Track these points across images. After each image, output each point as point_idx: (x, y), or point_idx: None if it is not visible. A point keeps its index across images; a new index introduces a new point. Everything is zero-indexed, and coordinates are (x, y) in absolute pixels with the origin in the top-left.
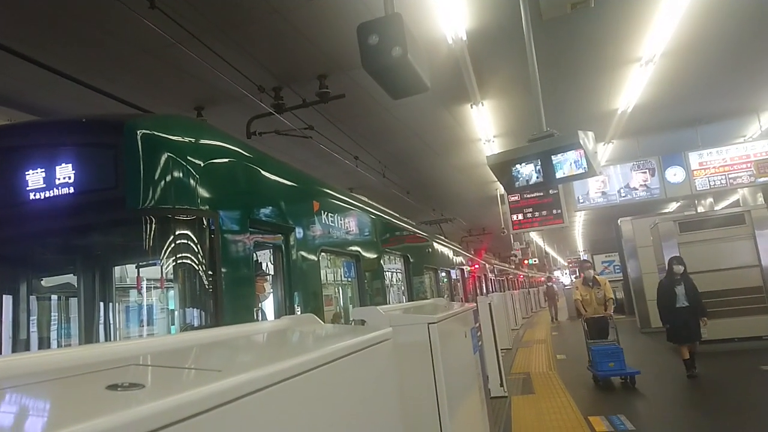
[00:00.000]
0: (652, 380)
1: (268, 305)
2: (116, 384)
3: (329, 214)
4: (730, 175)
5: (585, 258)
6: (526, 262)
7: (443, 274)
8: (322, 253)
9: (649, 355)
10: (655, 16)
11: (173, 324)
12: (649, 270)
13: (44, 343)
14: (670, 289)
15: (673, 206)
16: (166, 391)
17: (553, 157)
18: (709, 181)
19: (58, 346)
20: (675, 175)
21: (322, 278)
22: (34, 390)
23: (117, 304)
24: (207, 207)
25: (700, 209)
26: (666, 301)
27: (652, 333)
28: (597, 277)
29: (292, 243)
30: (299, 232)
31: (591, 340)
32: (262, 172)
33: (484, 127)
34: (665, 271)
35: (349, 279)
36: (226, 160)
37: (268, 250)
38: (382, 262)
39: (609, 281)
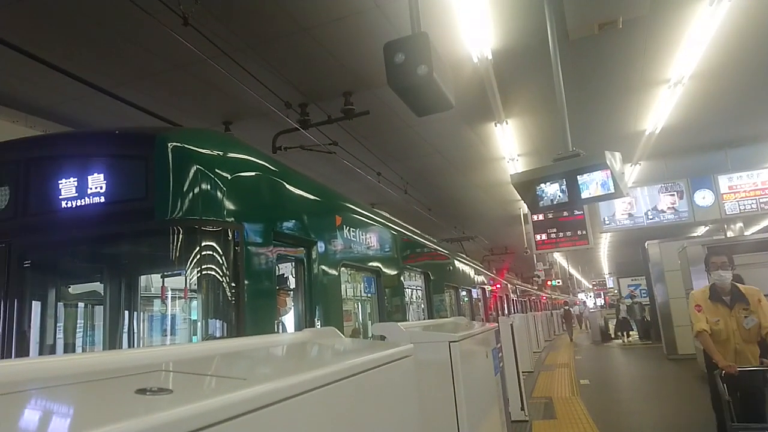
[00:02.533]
0: (676, 409)
1: (289, 318)
2: (145, 388)
3: (351, 229)
4: (761, 200)
5: (713, 249)
6: (549, 283)
7: (464, 292)
8: (343, 268)
9: (678, 383)
10: (684, 37)
11: (195, 334)
12: (677, 294)
13: (69, 349)
14: None
15: (701, 230)
16: (193, 397)
17: (578, 177)
18: (739, 205)
19: (83, 353)
20: (704, 198)
21: (342, 293)
22: (65, 392)
23: (141, 313)
24: (232, 219)
25: (730, 234)
26: None
27: (680, 360)
28: (745, 288)
29: (313, 257)
30: (321, 246)
31: (738, 424)
32: (287, 186)
33: (508, 145)
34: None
35: (369, 294)
36: (252, 173)
37: (290, 263)
38: (402, 278)
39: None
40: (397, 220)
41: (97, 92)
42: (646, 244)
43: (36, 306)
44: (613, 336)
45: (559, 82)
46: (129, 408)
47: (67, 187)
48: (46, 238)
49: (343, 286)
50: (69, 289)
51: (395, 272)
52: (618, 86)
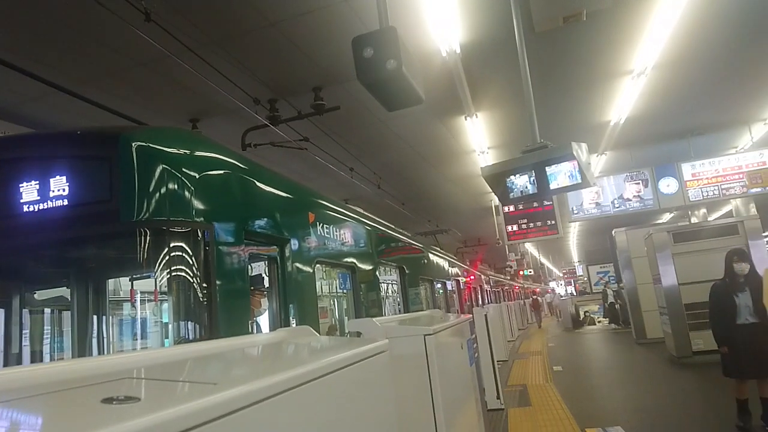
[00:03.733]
0: (646, 392)
1: (264, 318)
2: (111, 397)
3: (324, 226)
4: (722, 186)
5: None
6: (521, 273)
7: (439, 285)
8: (318, 265)
9: (648, 367)
10: (646, 29)
11: (167, 337)
12: (644, 280)
13: (37, 357)
14: (729, 297)
15: (666, 217)
16: (161, 405)
17: (547, 169)
18: (702, 192)
19: (51, 360)
20: (668, 186)
21: (317, 290)
22: (28, 404)
23: (111, 317)
24: (202, 219)
25: (694, 220)
26: (720, 314)
27: (649, 344)
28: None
29: (287, 254)
30: (294, 243)
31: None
32: (257, 184)
33: (479, 138)
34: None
35: (345, 291)
36: (221, 171)
37: (263, 262)
38: (377, 273)
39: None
40: (371, 216)
41: (58, 91)
42: (613, 232)
43: None
44: (599, 322)
45: (525, 75)
46: (94, 418)
47: (29, 190)
48: (9, 242)
49: (318, 284)
50: (35, 294)
51: (370, 267)
52: (583, 78)
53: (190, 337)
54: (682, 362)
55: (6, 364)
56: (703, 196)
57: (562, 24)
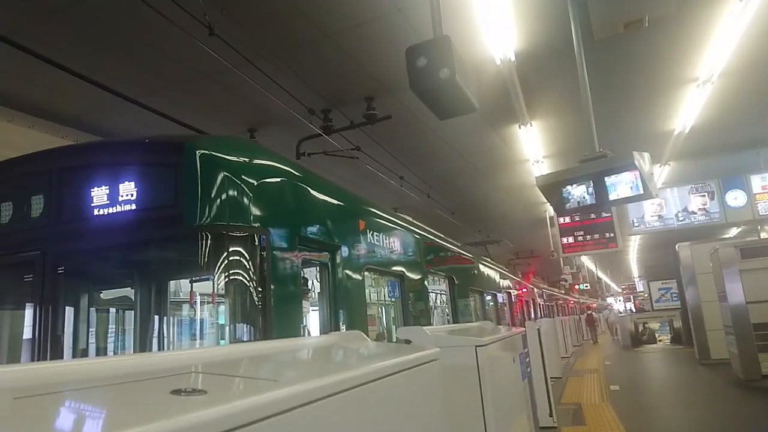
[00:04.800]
0: (710, 415)
1: (313, 322)
2: (180, 389)
3: (374, 234)
4: None
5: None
6: (576, 287)
7: (489, 297)
8: (367, 272)
9: (712, 389)
10: (712, 35)
11: (223, 338)
12: (709, 298)
13: (101, 353)
14: None
15: (733, 231)
16: (227, 398)
17: (606, 179)
18: None
19: (117, 356)
20: (736, 198)
21: (366, 297)
22: (102, 393)
23: (171, 317)
24: (259, 224)
25: (764, 235)
26: None
27: (713, 365)
28: None
29: (338, 261)
30: (345, 250)
31: None
32: (311, 192)
33: (533, 147)
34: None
35: (393, 299)
36: (278, 179)
37: (315, 268)
38: (426, 283)
39: (665, 309)
40: (420, 224)
41: (124, 101)
42: (676, 246)
43: (69, 311)
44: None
45: (584, 83)
46: (165, 408)
47: (99, 195)
48: (78, 245)
49: (367, 291)
50: (101, 294)
51: (419, 276)
52: (645, 85)
53: (245, 339)
54: (750, 385)
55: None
56: None
57: (622, 30)
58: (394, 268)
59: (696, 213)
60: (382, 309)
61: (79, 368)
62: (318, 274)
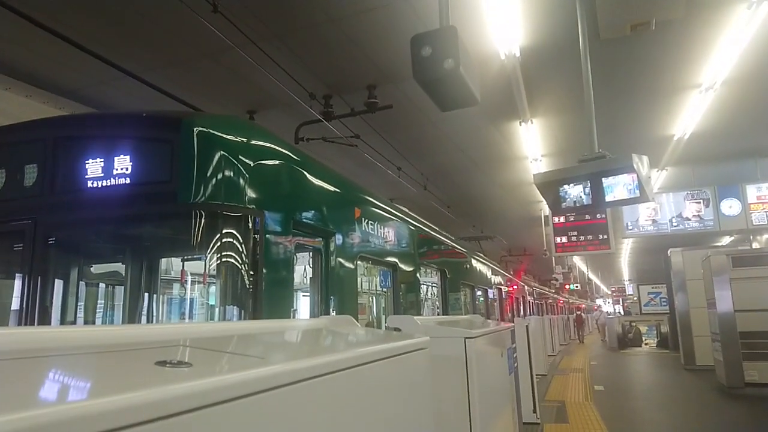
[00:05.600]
0: (692, 420)
1: (304, 307)
2: (165, 360)
3: (369, 222)
4: None
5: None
6: (567, 287)
7: (480, 292)
8: (360, 261)
9: (695, 394)
10: (718, 42)
11: (212, 318)
12: (698, 304)
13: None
14: None
15: (726, 240)
16: (212, 372)
17: (603, 180)
18: (766, 216)
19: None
20: (730, 207)
21: (358, 285)
22: (87, 360)
23: (161, 295)
24: (254, 206)
25: (755, 245)
26: None
27: (697, 371)
28: None
29: (331, 247)
30: (339, 237)
31: None
32: (308, 176)
33: (532, 145)
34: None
35: (385, 288)
36: (275, 162)
37: (308, 253)
38: (418, 274)
39: (653, 313)
40: (415, 216)
41: (124, 76)
42: (669, 251)
43: (58, 283)
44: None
45: (587, 83)
46: (149, 378)
47: (93, 167)
48: (70, 216)
49: (359, 279)
50: (91, 268)
51: (412, 268)
52: (648, 89)
53: (235, 319)
54: (733, 393)
55: None
56: (767, 220)
57: (629, 32)
58: (388, 258)
59: (690, 219)
60: (373, 298)
61: (65, 335)
62: (311, 260)
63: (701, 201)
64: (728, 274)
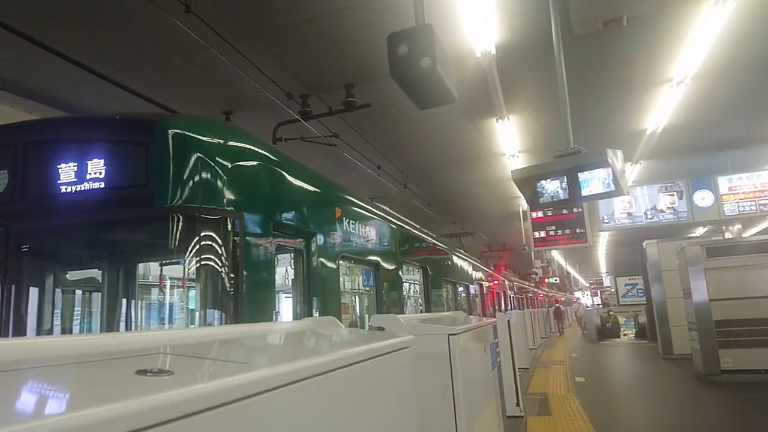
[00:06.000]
0: (671, 408)
1: (286, 309)
2: (145, 369)
3: (350, 222)
4: (760, 202)
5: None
6: (546, 280)
7: (462, 288)
8: (342, 260)
9: (673, 383)
10: (688, 37)
11: (193, 323)
12: (674, 295)
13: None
14: None
15: (700, 231)
16: (194, 379)
17: (579, 175)
18: (738, 207)
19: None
20: (703, 198)
21: (340, 285)
22: (65, 371)
23: (139, 300)
24: (232, 208)
25: (728, 235)
26: None
27: (675, 360)
28: None
29: (312, 248)
30: (320, 237)
31: None
32: (287, 177)
33: (509, 142)
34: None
35: (367, 288)
36: (253, 162)
37: (289, 254)
38: (400, 272)
39: (631, 305)
40: (396, 215)
41: (96, 78)
42: (644, 243)
43: (33, 291)
44: (625, 335)
45: (561, 79)
46: (130, 388)
47: (67, 171)
48: (44, 222)
49: (341, 279)
50: (67, 275)
51: (394, 266)
52: (621, 84)
53: (216, 323)
54: (709, 380)
55: None
56: (739, 210)
57: (601, 28)
58: (369, 257)
59: (664, 211)
60: (355, 297)
61: (41, 346)
62: (292, 261)
63: (675, 193)
64: (703, 264)
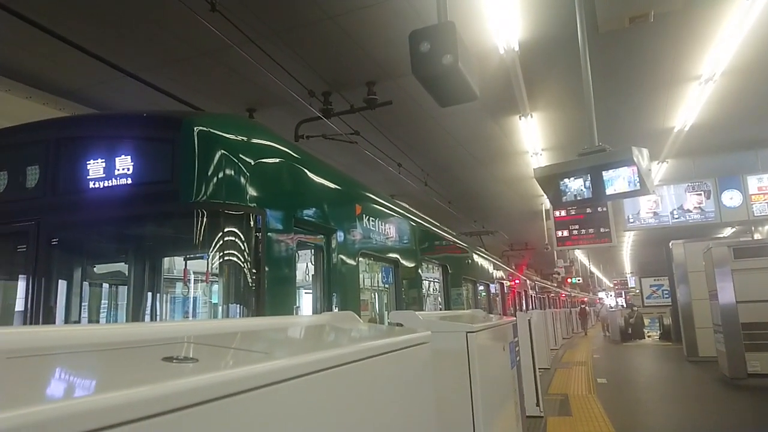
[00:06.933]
0: (695, 411)
1: (306, 305)
2: (171, 356)
3: (371, 219)
4: None
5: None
6: (569, 280)
7: (482, 287)
8: (362, 257)
9: (698, 385)
10: (717, 33)
11: (216, 317)
12: (700, 296)
13: None
14: None
15: (728, 231)
16: (218, 366)
17: (604, 173)
18: None
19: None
20: (731, 198)
21: (360, 282)
22: (93, 357)
23: (164, 294)
24: (255, 204)
25: (757, 236)
26: None
27: (700, 362)
28: None
29: (333, 245)
30: (340, 234)
31: None
32: (309, 174)
33: (532, 139)
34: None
35: (387, 285)
36: (276, 160)
37: (309, 250)
38: (420, 270)
39: (655, 306)
40: (416, 212)
41: (124, 76)
42: (670, 243)
43: (62, 284)
44: (649, 337)
45: (587, 76)
46: (156, 373)
47: (95, 167)
48: (73, 217)
49: (361, 276)
50: (94, 268)
51: (413, 264)
52: (647, 81)
53: (239, 317)
54: (736, 383)
55: None
56: None
57: (627, 25)
58: (389, 255)
59: (691, 211)
60: (374, 295)
61: (72, 334)
62: (313, 257)
63: (702, 193)
64: (730, 265)
